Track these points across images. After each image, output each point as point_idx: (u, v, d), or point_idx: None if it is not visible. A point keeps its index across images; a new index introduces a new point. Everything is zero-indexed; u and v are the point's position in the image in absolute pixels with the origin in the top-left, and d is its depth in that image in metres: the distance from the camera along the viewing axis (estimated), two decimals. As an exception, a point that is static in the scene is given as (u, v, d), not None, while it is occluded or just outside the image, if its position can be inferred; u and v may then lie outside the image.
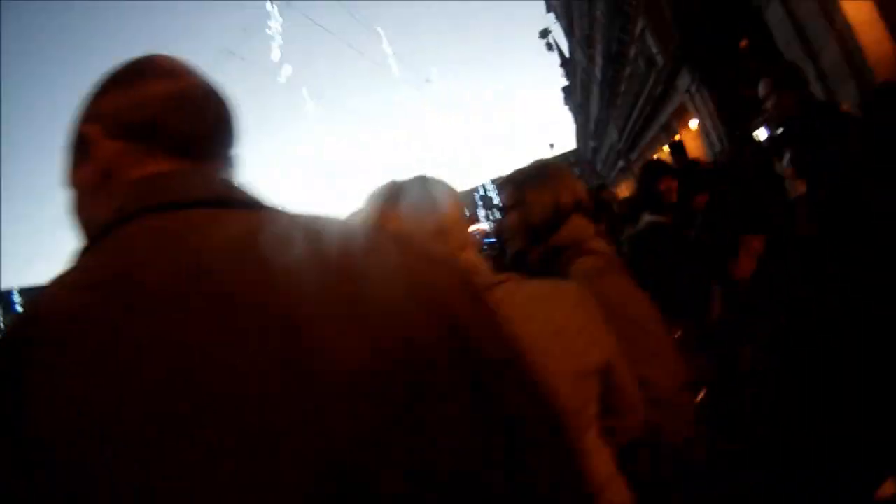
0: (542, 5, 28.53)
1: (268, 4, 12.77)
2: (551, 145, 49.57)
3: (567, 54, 31.81)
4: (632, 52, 17.51)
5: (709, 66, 12.20)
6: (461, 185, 61.40)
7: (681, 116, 14.78)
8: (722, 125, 12.54)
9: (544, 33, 27.73)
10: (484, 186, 64.82)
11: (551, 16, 28.27)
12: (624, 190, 35.72)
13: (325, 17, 13.88)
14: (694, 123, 13.74)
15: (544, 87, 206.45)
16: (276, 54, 13.79)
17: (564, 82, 39.30)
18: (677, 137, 16.17)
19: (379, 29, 17.92)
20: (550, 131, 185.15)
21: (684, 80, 13.47)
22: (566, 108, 44.99)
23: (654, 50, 14.76)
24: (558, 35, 29.76)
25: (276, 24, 13.06)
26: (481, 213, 70.39)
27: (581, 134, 45.23)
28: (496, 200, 68.56)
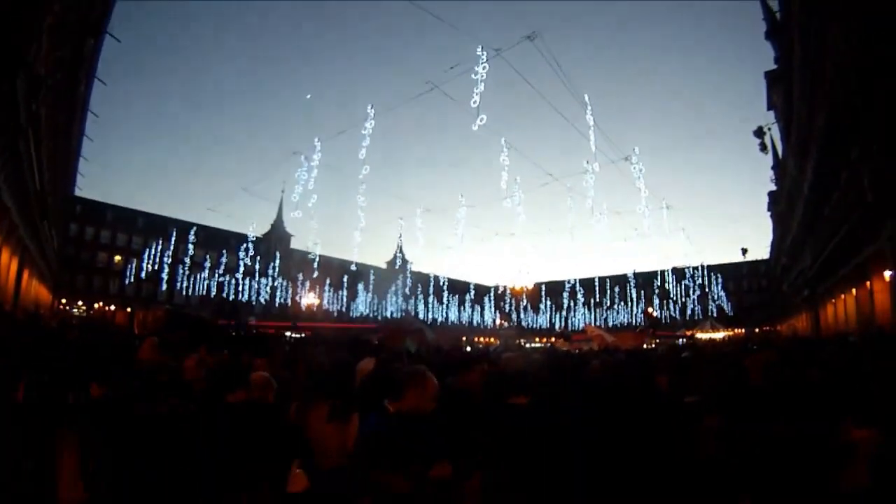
0: (764, 98, 26.28)
1: (479, 49, 13.27)
2: (744, 250, 44.97)
3: (781, 158, 28.92)
4: (844, 176, 15.30)
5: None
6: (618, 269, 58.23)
7: (878, 264, 12.52)
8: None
9: (759, 132, 25.45)
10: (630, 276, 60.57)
11: (771, 114, 25.92)
12: (802, 321, 31.19)
13: (531, 72, 14.05)
14: (888, 275, 11.53)
15: (750, 185, 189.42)
16: (475, 100, 14.25)
17: (772, 186, 35.71)
18: (868, 285, 13.70)
19: (586, 97, 17.81)
20: (746, 235, 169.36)
21: (892, 226, 11.42)
22: (768, 214, 40.77)
23: (866, 182, 12.72)
24: (776, 134, 27.21)
25: (482, 70, 13.54)
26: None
27: (777, 247, 40.70)
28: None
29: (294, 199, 20.49)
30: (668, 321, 63.37)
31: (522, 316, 70.37)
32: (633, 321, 68.08)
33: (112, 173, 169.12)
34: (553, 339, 40.47)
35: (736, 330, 44.54)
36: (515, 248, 79.69)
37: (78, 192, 37.72)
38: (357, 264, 60.35)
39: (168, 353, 4.90)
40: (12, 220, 15.37)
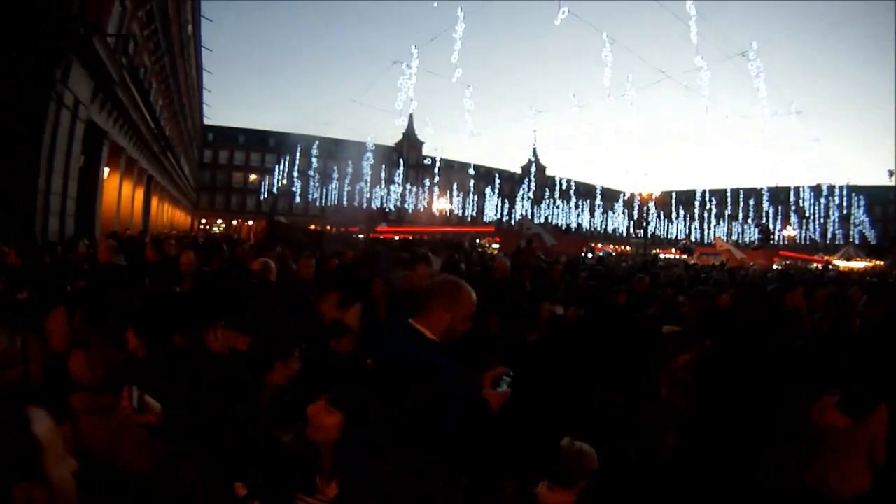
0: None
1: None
2: (891, 172, 39.19)
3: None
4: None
5: None
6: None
7: None
8: None
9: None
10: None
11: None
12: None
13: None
14: None
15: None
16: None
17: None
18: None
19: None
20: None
21: None
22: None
23: None
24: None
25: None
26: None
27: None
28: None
29: (398, 107, 21.40)
30: (808, 242, 58.01)
31: (655, 224, 68.04)
32: (773, 239, 63.03)
33: (233, 100, 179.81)
34: (676, 251, 38.85)
35: (877, 262, 39.59)
36: (633, 150, 75.62)
37: (207, 122, 41.54)
38: (479, 167, 60.96)
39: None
40: (129, 157, 17.71)
